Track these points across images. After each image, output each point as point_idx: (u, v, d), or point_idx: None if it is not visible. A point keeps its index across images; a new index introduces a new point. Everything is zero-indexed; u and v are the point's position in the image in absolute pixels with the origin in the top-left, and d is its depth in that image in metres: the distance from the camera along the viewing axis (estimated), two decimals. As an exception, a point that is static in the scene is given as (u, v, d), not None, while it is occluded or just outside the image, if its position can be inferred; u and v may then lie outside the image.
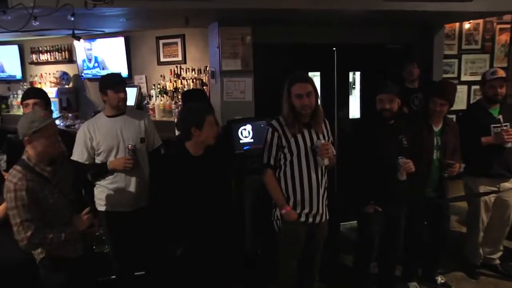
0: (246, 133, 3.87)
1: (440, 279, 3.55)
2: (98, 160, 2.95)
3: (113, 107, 2.93)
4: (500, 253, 3.77)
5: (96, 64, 5.45)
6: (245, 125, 3.86)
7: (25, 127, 2.17)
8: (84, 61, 5.53)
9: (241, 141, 3.83)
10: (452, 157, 3.26)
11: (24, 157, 2.20)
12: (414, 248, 3.45)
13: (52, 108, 3.44)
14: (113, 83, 2.90)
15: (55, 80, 5.71)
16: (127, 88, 3.00)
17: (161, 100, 4.87)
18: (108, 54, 5.32)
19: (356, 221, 3.39)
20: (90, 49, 5.40)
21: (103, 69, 5.37)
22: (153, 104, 4.87)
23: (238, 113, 4.07)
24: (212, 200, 2.58)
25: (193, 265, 2.56)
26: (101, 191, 2.94)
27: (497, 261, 3.75)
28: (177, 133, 4.06)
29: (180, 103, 4.53)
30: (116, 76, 3.05)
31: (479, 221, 3.57)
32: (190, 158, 2.51)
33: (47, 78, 5.94)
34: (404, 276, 3.52)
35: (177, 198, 2.45)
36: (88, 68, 5.51)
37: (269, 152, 2.76)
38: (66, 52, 5.80)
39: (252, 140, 3.84)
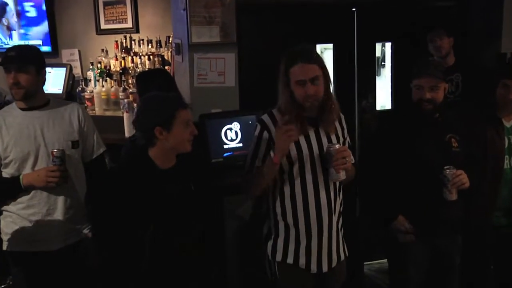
0: (228, 134, 3.98)
1: None
2: (6, 173, 2.96)
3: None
4: None
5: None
6: (226, 122, 3.96)
7: None
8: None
9: (220, 145, 3.93)
10: None
11: None
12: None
13: None
14: (3, 59, 2.92)
15: None
16: (51, 69, 3.04)
17: (103, 86, 4.91)
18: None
19: (386, 259, 3.54)
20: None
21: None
22: (92, 92, 4.93)
23: (216, 105, 4.16)
24: (187, 237, 2.65)
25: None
26: (11, 221, 2.95)
27: None
28: (127, 134, 4.19)
29: (131, 90, 4.63)
30: (13, 49, 3.05)
31: None
32: (155, 173, 2.56)
33: None
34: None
35: (134, 234, 2.49)
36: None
37: (252, 158, 2.85)
38: None
39: (237, 144, 3.96)
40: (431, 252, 3.20)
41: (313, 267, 2.86)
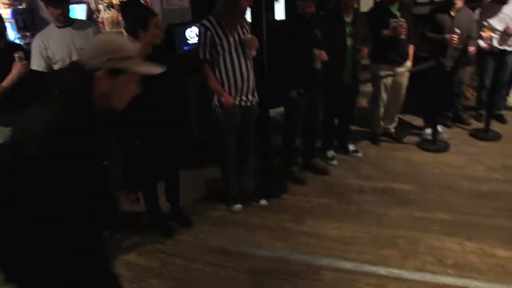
0: (187, 35, 5.23)
1: (351, 147, 5.77)
2: (56, 67, 3.73)
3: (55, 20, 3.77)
4: (395, 124, 6.25)
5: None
6: (185, 27, 5.27)
7: None
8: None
9: (181, 43, 5.25)
10: (365, 44, 4.84)
11: None
12: (330, 123, 5.36)
13: (10, 28, 4.69)
14: (49, 0, 3.68)
15: (7, 1, 6.38)
16: (77, 5, 4.34)
17: (108, 14, 6.30)
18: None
19: (283, 107, 4.89)
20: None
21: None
22: (102, 17, 6.33)
23: (177, 18, 5.38)
24: (165, 96, 3.51)
25: (151, 151, 3.64)
26: None
27: (393, 130, 6.24)
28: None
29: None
30: None
31: (380, 99, 5.90)
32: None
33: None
34: (323, 146, 5.50)
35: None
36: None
37: (204, 48, 3.85)
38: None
39: (191, 41, 5.34)
40: (307, 100, 4.59)
41: (237, 100, 3.96)
